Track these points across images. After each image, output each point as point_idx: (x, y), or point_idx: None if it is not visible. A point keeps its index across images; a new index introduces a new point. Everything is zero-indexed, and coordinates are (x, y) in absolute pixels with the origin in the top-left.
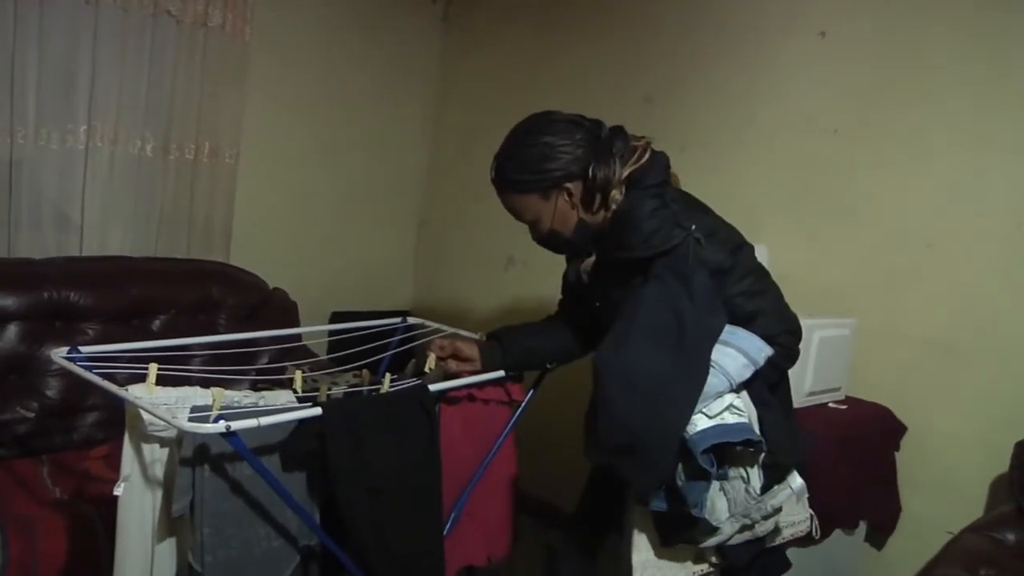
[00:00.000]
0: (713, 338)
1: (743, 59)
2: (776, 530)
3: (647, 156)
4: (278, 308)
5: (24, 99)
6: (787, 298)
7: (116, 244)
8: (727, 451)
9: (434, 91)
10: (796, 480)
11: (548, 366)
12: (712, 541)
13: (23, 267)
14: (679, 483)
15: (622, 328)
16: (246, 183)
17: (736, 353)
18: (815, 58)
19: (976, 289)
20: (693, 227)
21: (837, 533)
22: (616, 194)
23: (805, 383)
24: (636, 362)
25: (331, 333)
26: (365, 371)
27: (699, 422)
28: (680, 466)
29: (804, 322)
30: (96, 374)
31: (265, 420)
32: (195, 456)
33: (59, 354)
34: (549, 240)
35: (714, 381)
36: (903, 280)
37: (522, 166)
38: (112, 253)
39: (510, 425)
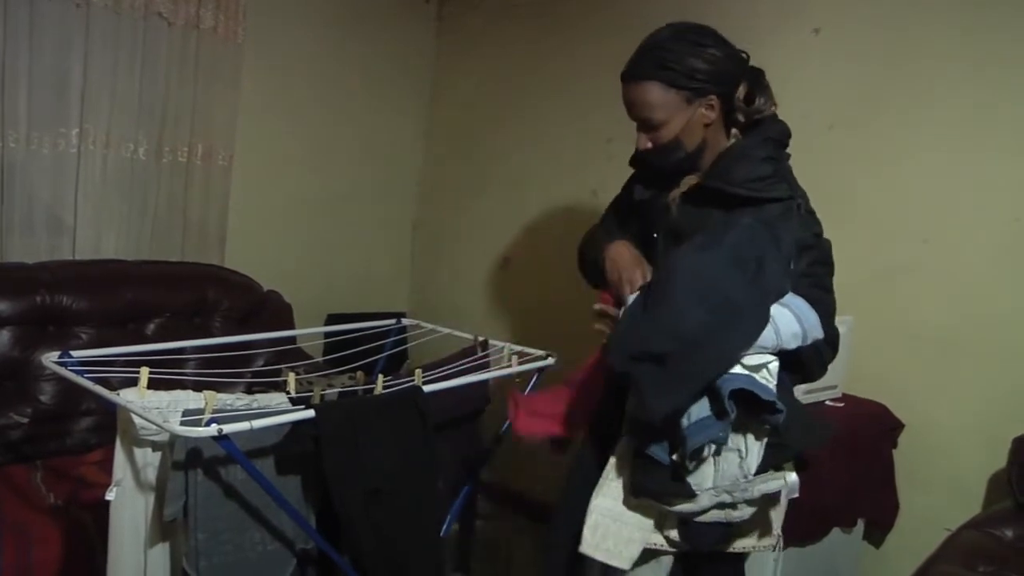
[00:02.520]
0: (779, 296)
1: None
2: (748, 526)
3: (774, 109)
4: (273, 310)
5: (15, 103)
6: None
7: (109, 248)
8: (741, 408)
9: (428, 91)
10: (791, 476)
11: None
12: (685, 507)
13: (16, 271)
14: (685, 423)
15: (707, 242)
16: (240, 185)
17: (792, 318)
18: (809, 55)
19: (973, 285)
20: (798, 196)
21: (835, 531)
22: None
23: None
24: (714, 277)
25: (327, 335)
26: (360, 373)
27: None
28: (693, 407)
29: None
30: (88, 378)
31: (258, 423)
32: (187, 460)
33: (50, 359)
34: (664, 150)
35: (766, 333)
36: (899, 276)
37: (681, 58)
38: (105, 257)
39: None
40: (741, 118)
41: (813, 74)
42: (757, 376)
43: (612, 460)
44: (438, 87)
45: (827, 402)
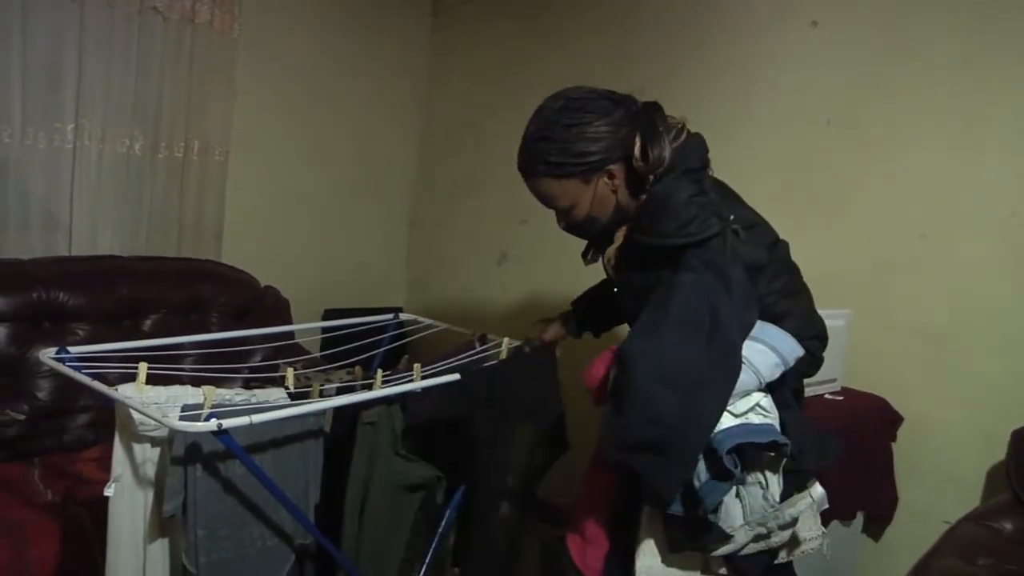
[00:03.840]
0: (746, 334)
1: (735, 50)
2: (792, 541)
3: (684, 136)
4: (270, 306)
5: (9, 98)
6: None
7: (105, 244)
8: (747, 454)
9: (424, 87)
10: (817, 489)
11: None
12: (724, 550)
13: (11, 268)
14: (696, 484)
15: (654, 318)
16: (236, 181)
17: (768, 351)
18: (807, 48)
19: (971, 278)
20: (732, 217)
21: (834, 524)
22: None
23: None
24: (670, 354)
25: (324, 330)
26: (358, 368)
27: (724, 420)
28: (700, 466)
29: None
30: (86, 374)
31: (257, 418)
32: (186, 456)
33: (47, 355)
34: (582, 227)
35: (744, 378)
36: (897, 270)
37: (562, 148)
38: (102, 253)
39: None
40: (641, 176)
41: (811, 68)
42: (751, 417)
43: (643, 521)
44: (434, 82)
45: (826, 395)
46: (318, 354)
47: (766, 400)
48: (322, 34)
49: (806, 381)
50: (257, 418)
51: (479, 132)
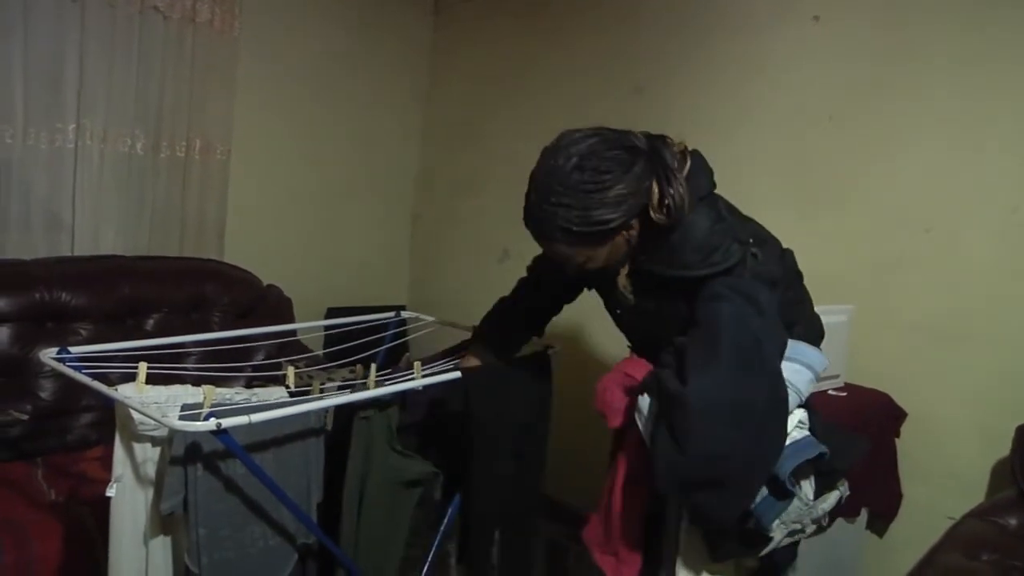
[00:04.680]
0: (783, 355)
1: (735, 46)
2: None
3: (688, 163)
4: (273, 305)
5: (11, 98)
6: None
7: (108, 243)
8: (799, 468)
9: (426, 85)
10: (844, 483)
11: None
12: (763, 551)
13: (13, 268)
14: (751, 506)
15: (703, 355)
16: (238, 179)
17: (803, 368)
18: (808, 43)
19: (974, 273)
20: (751, 240)
21: (839, 521)
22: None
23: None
24: (729, 392)
25: (326, 329)
26: (359, 366)
27: None
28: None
29: None
30: (87, 374)
31: (256, 416)
32: (186, 455)
33: (48, 355)
34: (592, 273)
35: (791, 400)
36: (900, 266)
37: (583, 216)
38: (104, 253)
39: None
40: (663, 221)
41: (812, 63)
42: (795, 434)
43: (682, 535)
44: (435, 80)
45: (830, 391)
46: (320, 352)
47: (802, 413)
48: (323, 33)
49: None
50: (256, 417)
51: (480, 130)
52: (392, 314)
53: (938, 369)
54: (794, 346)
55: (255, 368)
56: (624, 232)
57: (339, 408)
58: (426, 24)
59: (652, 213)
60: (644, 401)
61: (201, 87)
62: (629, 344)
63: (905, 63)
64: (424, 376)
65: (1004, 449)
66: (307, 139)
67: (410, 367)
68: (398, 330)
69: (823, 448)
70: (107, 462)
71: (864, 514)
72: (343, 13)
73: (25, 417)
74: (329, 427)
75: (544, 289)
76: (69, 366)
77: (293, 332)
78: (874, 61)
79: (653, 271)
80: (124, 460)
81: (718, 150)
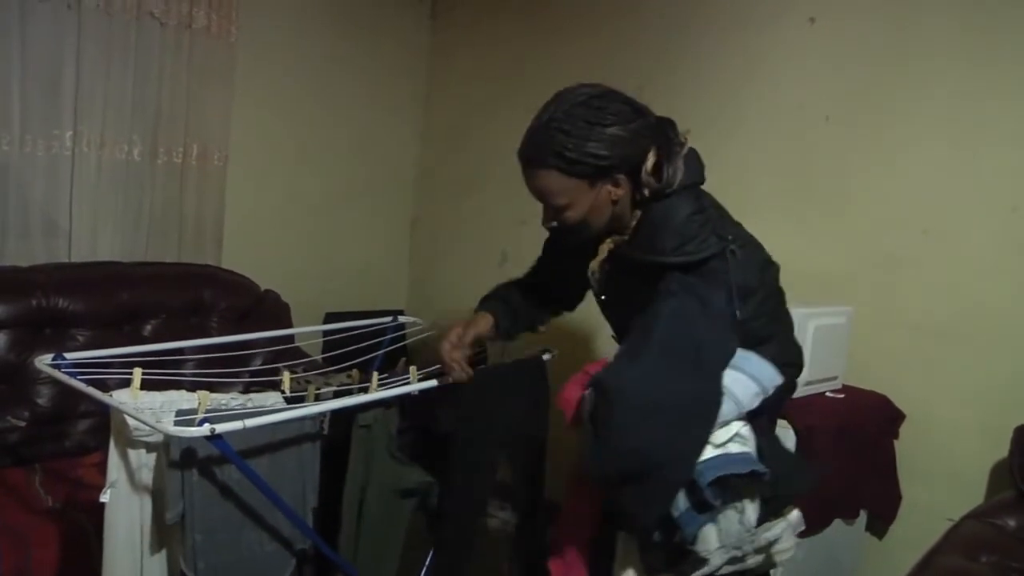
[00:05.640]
0: (727, 363)
1: (733, 47)
2: (766, 561)
3: (686, 149)
4: (271, 310)
5: (8, 105)
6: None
7: (105, 249)
8: (726, 483)
9: (424, 88)
10: (794, 513)
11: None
12: (699, 573)
13: (11, 274)
14: (675, 514)
15: (635, 347)
16: (236, 185)
17: (748, 380)
18: (805, 45)
19: (973, 274)
20: (730, 237)
21: (837, 523)
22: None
23: (802, 373)
24: (653, 385)
25: (324, 333)
26: (356, 371)
27: (705, 450)
28: (680, 496)
29: (799, 311)
30: (83, 380)
31: (250, 422)
32: (182, 461)
33: (44, 361)
34: (571, 230)
35: (725, 408)
36: (899, 267)
37: (579, 145)
38: (101, 259)
39: None
40: (647, 193)
41: (809, 64)
42: (731, 447)
43: (619, 544)
44: (433, 84)
45: (827, 393)
46: (319, 357)
47: (745, 429)
48: (320, 37)
49: (807, 378)
50: (250, 422)
51: (479, 133)
52: (390, 319)
53: (937, 370)
54: (745, 357)
55: (252, 373)
56: (611, 186)
57: (335, 413)
58: (424, 27)
59: (644, 175)
60: (588, 395)
61: (198, 93)
62: (612, 335)
63: (902, 63)
64: (420, 380)
65: (1003, 450)
66: (305, 143)
67: (406, 372)
68: (396, 335)
69: (758, 467)
70: (105, 468)
71: (863, 515)
72: (340, 17)
73: (23, 424)
74: (326, 431)
75: (543, 268)
76: (65, 372)
77: (291, 337)
78: (871, 62)
79: (630, 256)
80: (119, 466)
81: (717, 151)
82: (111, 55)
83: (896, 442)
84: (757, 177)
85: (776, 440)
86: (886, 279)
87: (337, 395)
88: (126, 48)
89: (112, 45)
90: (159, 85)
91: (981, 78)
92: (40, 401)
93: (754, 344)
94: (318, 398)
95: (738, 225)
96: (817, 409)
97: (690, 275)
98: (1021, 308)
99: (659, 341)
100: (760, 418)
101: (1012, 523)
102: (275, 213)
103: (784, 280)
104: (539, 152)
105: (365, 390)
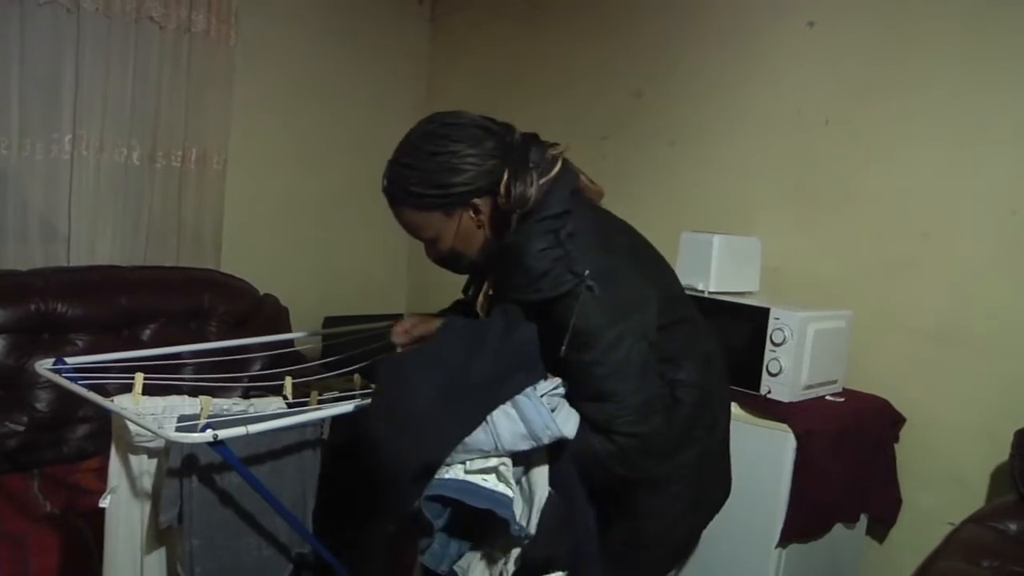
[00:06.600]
0: (497, 395)
1: (732, 51)
2: None
3: (556, 170)
4: (270, 314)
5: (7, 109)
6: (781, 291)
7: (104, 254)
8: (493, 520)
9: (423, 92)
10: None
11: None
12: None
13: (10, 279)
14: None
15: (413, 350)
16: (235, 189)
17: (517, 420)
18: (804, 48)
19: (973, 277)
20: (587, 272)
21: (838, 527)
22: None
23: (802, 376)
24: (401, 389)
25: (324, 338)
26: (356, 376)
27: (451, 471)
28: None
29: (799, 315)
30: (83, 385)
31: (253, 428)
32: (183, 466)
33: (44, 366)
34: (449, 261)
35: (480, 437)
36: (899, 270)
37: (424, 178)
38: (100, 263)
39: None
40: (506, 212)
41: (808, 68)
42: (488, 478)
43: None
44: (432, 88)
45: (827, 397)
46: (317, 362)
47: (509, 470)
48: (319, 41)
49: (807, 382)
50: (253, 428)
51: None
52: (388, 324)
53: (937, 373)
54: (527, 399)
55: (252, 379)
56: (471, 212)
57: (337, 418)
58: (423, 31)
59: (499, 199)
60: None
61: (197, 97)
62: None
63: (901, 65)
64: None
65: (1003, 454)
66: (304, 148)
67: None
68: None
69: (498, 508)
70: (104, 473)
71: (864, 519)
72: (339, 22)
73: (21, 429)
74: (326, 436)
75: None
76: (65, 377)
77: (290, 342)
78: (870, 63)
79: (499, 291)
80: (119, 471)
81: (716, 154)
82: (110, 59)
83: (896, 446)
84: (756, 180)
85: (559, 507)
86: (886, 282)
87: (339, 400)
88: (125, 52)
89: (111, 49)
90: (158, 89)
91: (980, 81)
92: (38, 406)
93: (586, 398)
94: (320, 404)
95: (612, 252)
96: (817, 413)
97: (563, 302)
98: (1021, 311)
99: (429, 350)
100: (562, 465)
101: (1013, 527)
102: (274, 217)
103: (783, 283)
104: (392, 190)
105: (367, 395)
